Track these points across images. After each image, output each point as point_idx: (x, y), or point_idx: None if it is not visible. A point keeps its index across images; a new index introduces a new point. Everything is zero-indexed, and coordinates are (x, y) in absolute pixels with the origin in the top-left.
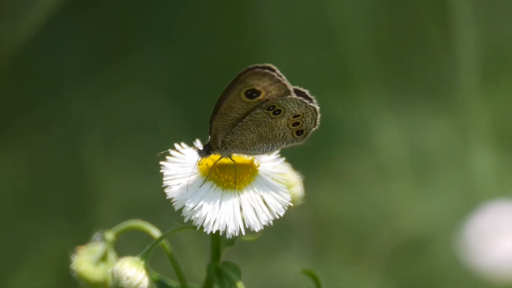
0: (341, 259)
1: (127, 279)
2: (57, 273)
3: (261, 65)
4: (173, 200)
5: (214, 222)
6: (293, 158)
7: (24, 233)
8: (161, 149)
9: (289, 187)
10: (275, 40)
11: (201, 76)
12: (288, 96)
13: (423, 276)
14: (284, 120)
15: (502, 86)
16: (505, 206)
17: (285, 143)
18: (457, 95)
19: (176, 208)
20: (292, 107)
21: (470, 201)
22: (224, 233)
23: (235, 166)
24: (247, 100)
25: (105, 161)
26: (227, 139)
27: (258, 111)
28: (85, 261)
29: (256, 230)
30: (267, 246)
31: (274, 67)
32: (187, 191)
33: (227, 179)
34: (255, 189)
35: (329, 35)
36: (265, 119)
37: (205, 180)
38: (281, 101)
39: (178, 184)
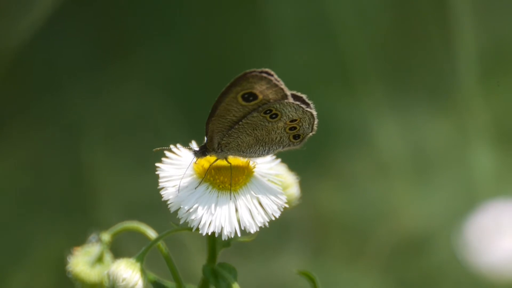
0: (340, 257)
1: (123, 280)
2: (56, 272)
3: (259, 69)
4: (168, 202)
5: (209, 223)
6: (291, 157)
7: (22, 232)
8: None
9: (285, 188)
10: (275, 39)
11: (200, 75)
12: (285, 101)
13: (422, 274)
14: (281, 124)
15: (502, 86)
16: (505, 205)
17: (281, 147)
18: (457, 93)
19: (172, 210)
20: (289, 112)
21: (470, 200)
22: (220, 234)
23: (231, 168)
24: (244, 103)
25: (104, 160)
26: (223, 141)
27: (254, 114)
28: (81, 262)
29: (252, 231)
30: (265, 245)
31: (272, 72)
32: (183, 192)
33: (223, 180)
34: (251, 190)
35: (329, 34)
36: (262, 123)
37: (200, 182)
38: (278, 105)
39: (173, 186)
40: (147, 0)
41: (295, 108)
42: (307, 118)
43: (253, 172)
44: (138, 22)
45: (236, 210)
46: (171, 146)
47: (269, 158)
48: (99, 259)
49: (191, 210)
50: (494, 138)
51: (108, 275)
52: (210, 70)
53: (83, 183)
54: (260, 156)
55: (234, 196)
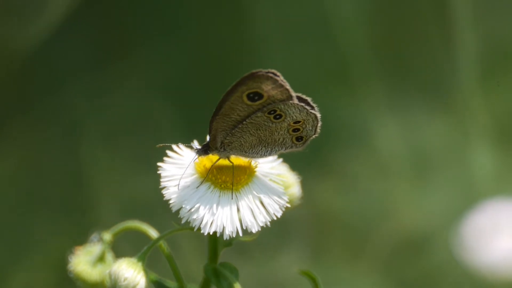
0: (341, 257)
1: (124, 280)
2: (56, 272)
3: (265, 69)
4: (170, 202)
5: (211, 223)
6: (292, 157)
7: (22, 232)
8: (161, 149)
9: (286, 187)
10: (275, 39)
11: (200, 76)
12: (290, 102)
13: (422, 274)
14: (284, 125)
15: (502, 86)
16: (504, 204)
17: (284, 148)
18: (457, 93)
19: (174, 209)
20: (293, 113)
21: (469, 200)
22: (222, 234)
23: (233, 168)
24: (249, 102)
25: (105, 160)
26: (226, 140)
27: (259, 114)
28: (83, 261)
29: (254, 231)
30: (266, 245)
31: (278, 73)
32: (185, 192)
33: (225, 180)
34: (253, 190)
35: (329, 33)
36: (266, 123)
37: (202, 181)
38: (282, 106)
39: (175, 185)
40: (147, 1)
41: (299, 110)
42: (310, 120)
43: (255, 171)
44: (138, 22)
45: (238, 209)
46: (173, 146)
47: (271, 158)
48: (101, 259)
49: (192, 210)
50: (494, 138)
51: (110, 275)
52: (210, 71)
53: (83, 183)
54: (262, 156)
55: (236, 196)
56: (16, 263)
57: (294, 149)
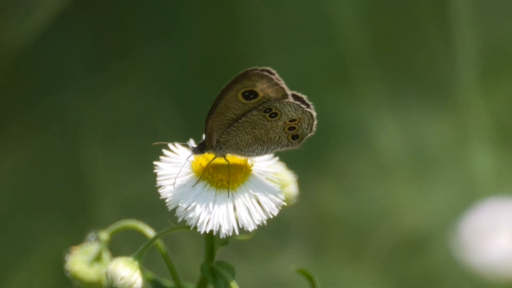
0: (340, 257)
1: (121, 279)
2: (55, 272)
3: (260, 68)
4: (166, 200)
5: (207, 222)
6: (291, 157)
7: (22, 232)
8: (159, 149)
9: (283, 186)
10: (275, 38)
11: (199, 75)
12: (285, 100)
13: (422, 273)
14: (280, 124)
15: (502, 86)
16: (504, 204)
17: (279, 147)
18: (457, 93)
19: (170, 208)
20: (288, 111)
21: (469, 199)
22: (218, 233)
23: (229, 166)
24: (244, 101)
25: (104, 160)
26: (222, 139)
27: (254, 112)
28: (80, 261)
29: (250, 229)
30: (266, 244)
31: (273, 71)
32: (181, 191)
33: (221, 178)
34: (249, 189)
35: (329, 33)
36: (261, 121)
37: (198, 180)
38: (278, 104)
39: (171, 184)
40: (147, 1)
41: (295, 108)
42: (306, 118)
43: (251, 170)
44: (138, 22)
45: (234, 208)
46: (169, 144)
47: (267, 156)
48: (97, 258)
49: (189, 208)
50: (494, 138)
51: (106, 274)
52: (209, 70)
53: (82, 183)
54: (258, 155)
55: (232, 194)
56: (16, 263)
57: (290, 148)
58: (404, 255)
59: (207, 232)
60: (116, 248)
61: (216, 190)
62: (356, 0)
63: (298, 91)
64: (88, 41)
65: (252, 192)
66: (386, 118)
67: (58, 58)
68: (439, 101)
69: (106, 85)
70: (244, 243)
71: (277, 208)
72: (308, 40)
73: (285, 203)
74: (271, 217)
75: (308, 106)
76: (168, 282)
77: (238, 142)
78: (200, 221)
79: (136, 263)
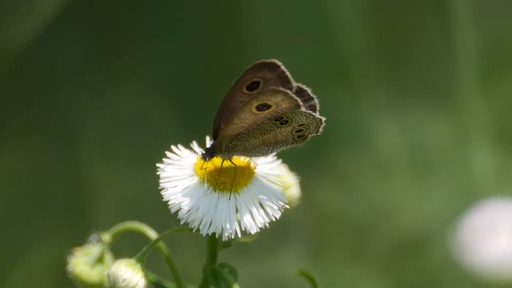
0: (340, 257)
1: (123, 281)
2: (55, 273)
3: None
4: (169, 203)
5: (210, 224)
6: (291, 157)
7: (22, 233)
8: (160, 149)
9: (285, 188)
10: (275, 38)
11: (199, 76)
12: (298, 110)
13: (422, 274)
14: (289, 129)
15: (502, 85)
16: (504, 205)
17: (285, 145)
18: (457, 93)
19: (172, 210)
20: (299, 119)
21: (469, 200)
22: (220, 235)
23: (235, 170)
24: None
25: (104, 161)
26: (231, 144)
27: (266, 121)
28: (82, 262)
29: (252, 232)
30: (266, 245)
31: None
32: (184, 193)
33: (224, 181)
34: (252, 191)
35: (329, 33)
36: (271, 128)
37: (201, 183)
38: (290, 114)
39: (174, 187)
40: (147, 1)
41: (306, 116)
42: (315, 122)
43: (254, 172)
44: (137, 22)
45: (237, 210)
46: (172, 147)
47: (270, 158)
48: (100, 260)
49: (191, 211)
50: (493, 138)
51: (109, 276)
52: (209, 71)
53: (82, 183)
54: (264, 155)
55: (235, 197)
56: (16, 264)
57: (294, 145)
58: (404, 255)
59: (210, 234)
60: (119, 250)
61: (219, 193)
62: (356, 0)
63: None
64: (88, 41)
65: (254, 195)
66: (386, 118)
67: (58, 58)
68: (439, 101)
69: (106, 85)
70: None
71: (280, 210)
72: (308, 40)
73: (287, 206)
74: (274, 220)
75: (315, 110)
76: (170, 284)
77: (246, 146)
78: (202, 223)
79: (139, 265)
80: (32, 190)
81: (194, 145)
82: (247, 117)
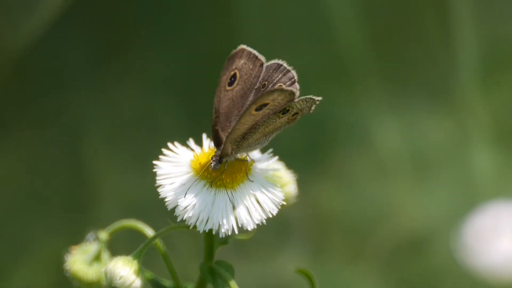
0: (340, 257)
1: (120, 278)
2: (56, 272)
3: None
4: (166, 200)
5: (207, 221)
6: (291, 157)
7: (23, 231)
8: (162, 147)
9: (282, 186)
10: (275, 37)
11: (201, 73)
12: (296, 99)
13: (422, 274)
14: (288, 115)
15: (502, 85)
16: (504, 205)
17: (279, 130)
18: (457, 93)
19: (169, 207)
20: (299, 105)
21: (469, 200)
22: (217, 232)
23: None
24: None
25: (105, 159)
26: (237, 146)
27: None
28: (79, 260)
29: (249, 229)
30: (266, 244)
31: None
32: (180, 190)
33: (220, 178)
34: (248, 188)
35: (329, 33)
36: (274, 120)
37: (197, 179)
38: (292, 103)
39: (171, 184)
40: (148, 0)
41: (306, 101)
42: (310, 104)
43: (251, 169)
44: (140, 21)
45: (234, 207)
46: (169, 144)
47: (266, 155)
48: (97, 258)
49: (188, 208)
50: (494, 138)
51: (105, 273)
52: (211, 69)
53: (84, 182)
54: (262, 144)
55: (232, 194)
56: (16, 263)
57: (287, 126)
58: (404, 255)
59: (206, 231)
60: (117, 248)
61: (216, 190)
62: (356, 0)
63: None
64: (90, 41)
65: (251, 192)
66: (386, 118)
67: (60, 58)
68: (439, 101)
69: (108, 84)
70: (244, 242)
71: (277, 207)
72: (308, 40)
73: (284, 203)
74: (271, 216)
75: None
76: (167, 281)
77: (250, 142)
78: (199, 220)
79: (135, 262)
80: (33, 189)
81: (191, 142)
82: (248, 119)
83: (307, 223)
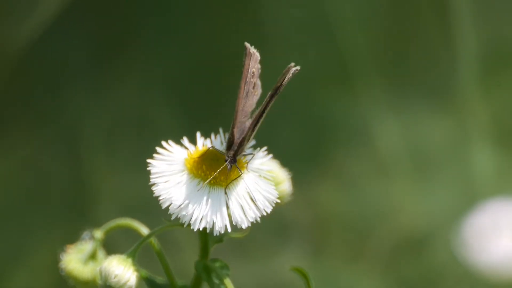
0: (340, 257)
1: (115, 277)
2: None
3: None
4: (159, 198)
5: (201, 219)
6: (291, 156)
7: (22, 232)
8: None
9: (277, 184)
10: (276, 38)
11: (202, 73)
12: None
13: (422, 274)
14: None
15: (502, 85)
16: (504, 204)
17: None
18: (457, 93)
19: (163, 205)
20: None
21: (470, 199)
22: (212, 230)
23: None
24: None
25: (105, 159)
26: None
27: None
28: (74, 259)
29: (244, 227)
30: (266, 244)
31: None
32: (174, 188)
33: (214, 176)
34: (243, 185)
35: (329, 33)
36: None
37: (191, 177)
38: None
39: (165, 182)
40: None
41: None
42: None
43: (245, 167)
44: (139, 21)
45: (228, 205)
46: (163, 142)
47: (261, 153)
48: (92, 257)
49: (182, 206)
50: (494, 138)
51: (100, 272)
52: (211, 69)
53: (83, 183)
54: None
55: (226, 192)
56: (16, 263)
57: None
58: (404, 255)
59: (201, 229)
60: (115, 247)
61: (210, 188)
62: (356, 0)
63: (299, 91)
64: (90, 40)
65: (245, 190)
66: (387, 117)
67: (59, 57)
68: (439, 100)
69: (107, 84)
70: (244, 242)
71: (271, 205)
72: (308, 40)
73: (279, 200)
74: (265, 214)
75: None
76: (163, 279)
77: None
78: (193, 218)
79: (130, 260)
80: (33, 189)
81: (185, 140)
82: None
83: (307, 223)
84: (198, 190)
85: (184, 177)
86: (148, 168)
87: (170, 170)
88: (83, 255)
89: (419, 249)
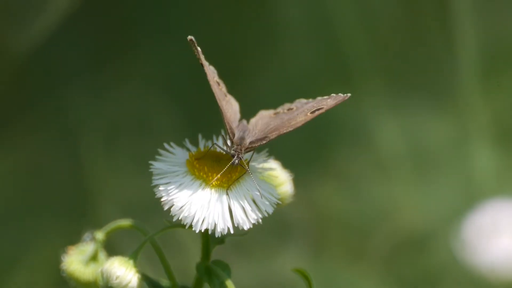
0: (341, 257)
1: (116, 278)
2: (55, 273)
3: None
4: (161, 199)
5: (203, 220)
6: (291, 156)
7: (22, 233)
8: (161, 148)
9: (278, 185)
10: (277, 38)
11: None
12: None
13: (423, 273)
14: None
15: (503, 85)
16: (505, 204)
17: None
18: (458, 93)
19: (165, 207)
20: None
21: (470, 199)
22: (213, 231)
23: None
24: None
25: (105, 160)
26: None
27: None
28: (75, 261)
29: (245, 228)
30: (266, 245)
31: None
32: (176, 190)
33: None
34: (244, 187)
35: (330, 33)
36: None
37: (193, 179)
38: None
39: (167, 183)
40: (148, 1)
41: None
42: None
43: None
44: (139, 22)
45: (229, 207)
46: (165, 144)
47: (262, 155)
48: (93, 258)
49: (184, 207)
50: (494, 138)
51: (102, 273)
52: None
53: (83, 183)
54: None
55: (227, 193)
56: (16, 264)
57: None
58: (404, 255)
59: (203, 231)
60: (117, 249)
61: (211, 189)
62: (358, 1)
63: (299, 90)
64: (90, 43)
65: (247, 191)
66: (387, 118)
67: (60, 59)
68: (440, 101)
69: (106, 85)
70: (244, 243)
71: (272, 206)
72: (308, 40)
73: (280, 202)
74: (266, 215)
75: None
76: (165, 281)
77: None
78: (195, 220)
79: (132, 262)
80: (33, 190)
81: (187, 143)
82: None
83: (307, 223)
84: (200, 192)
85: (186, 178)
86: (150, 170)
87: (172, 171)
88: (84, 256)
89: (419, 249)
